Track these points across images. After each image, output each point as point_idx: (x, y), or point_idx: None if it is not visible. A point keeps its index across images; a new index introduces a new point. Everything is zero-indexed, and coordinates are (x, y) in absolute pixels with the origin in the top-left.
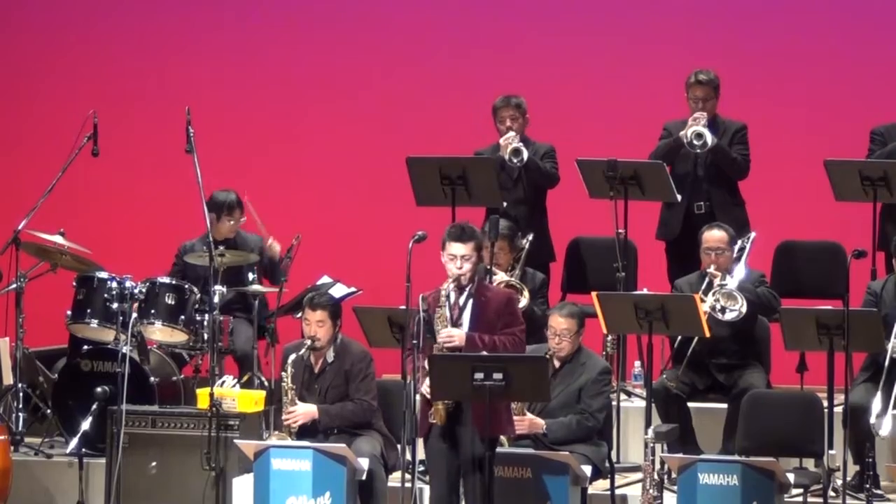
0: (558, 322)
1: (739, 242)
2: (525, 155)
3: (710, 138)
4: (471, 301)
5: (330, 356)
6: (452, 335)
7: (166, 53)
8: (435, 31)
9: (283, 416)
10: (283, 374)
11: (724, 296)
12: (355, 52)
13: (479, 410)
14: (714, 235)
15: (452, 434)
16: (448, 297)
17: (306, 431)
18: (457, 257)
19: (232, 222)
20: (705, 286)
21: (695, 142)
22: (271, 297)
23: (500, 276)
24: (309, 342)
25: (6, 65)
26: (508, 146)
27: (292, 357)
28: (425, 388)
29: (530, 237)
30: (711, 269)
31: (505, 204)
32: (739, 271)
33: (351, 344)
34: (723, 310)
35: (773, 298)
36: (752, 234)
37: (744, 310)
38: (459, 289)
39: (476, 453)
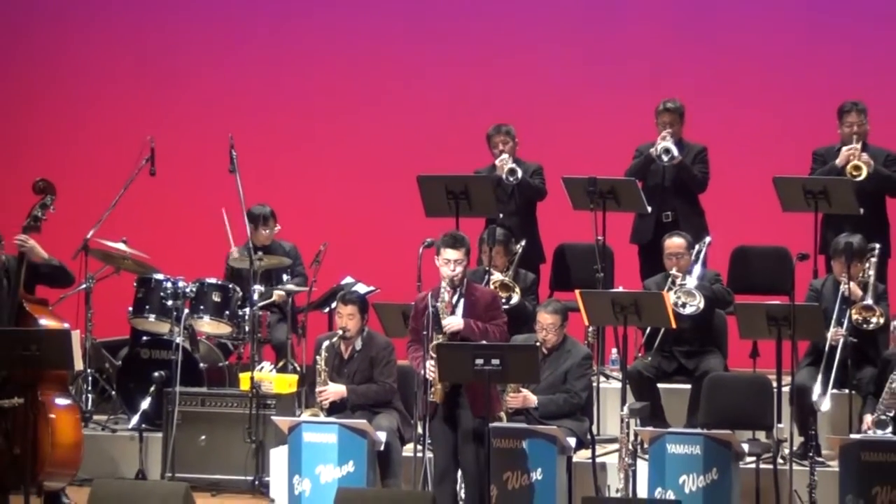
0: (545, 318)
1: (697, 247)
2: (519, 174)
3: (675, 151)
4: (462, 300)
5: (358, 345)
6: (453, 323)
7: (212, 87)
8: (441, 67)
9: (317, 394)
10: (317, 357)
11: (684, 293)
12: (375, 87)
13: (474, 393)
14: (674, 242)
15: (451, 415)
16: (442, 296)
17: (335, 408)
18: (450, 262)
19: (267, 231)
20: (668, 285)
21: (663, 156)
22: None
23: (497, 276)
24: (341, 332)
25: (78, 98)
26: (504, 166)
27: (326, 343)
28: (429, 370)
29: (523, 243)
30: (673, 271)
31: (501, 215)
32: (697, 271)
33: (376, 335)
34: (683, 305)
35: (727, 294)
36: (708, 239)
37: (701, 305)
38: (452, 289)
39: (472, 428)
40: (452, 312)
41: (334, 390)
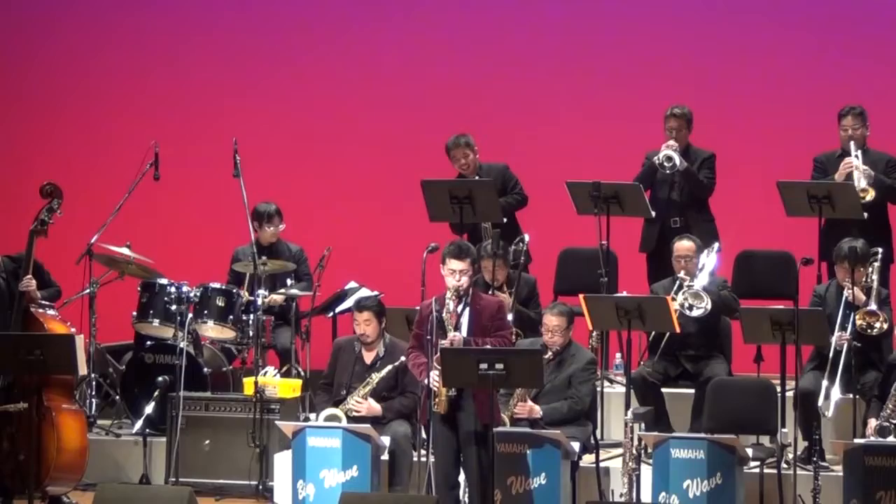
0: (551, 320)
1: (705, 252)
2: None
3: (678, 160)
4: (467, 309)
5: (381, 351)
6: (454, 338)
7: (215, 92)
8: (446, 72)
9: (352, 402)
10: (374, 374)
11: (691, 295)
12: (379, 91)
13: (479, 398)
14: (683, 245)
15: (453, 419)
16: (448, 305)
17: (359, 417)
18: (455, 272)
19: (272, 229)
20: (676, 288)
21: (665, 163)
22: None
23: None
24: (360, 338)
25: (83, 103)
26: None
27: (388, 368)
28: (433, 379)
29: (526, 237)
30: (681, 274)
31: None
32: (704, 276)
33: (399, 342)
34: (690, 307)
35: (734, 301)
36: (717, 245)
37: (709, 307)
38: (458, 298)
39: (475, 432)
40: (457, 322)
41: (369, 405)
